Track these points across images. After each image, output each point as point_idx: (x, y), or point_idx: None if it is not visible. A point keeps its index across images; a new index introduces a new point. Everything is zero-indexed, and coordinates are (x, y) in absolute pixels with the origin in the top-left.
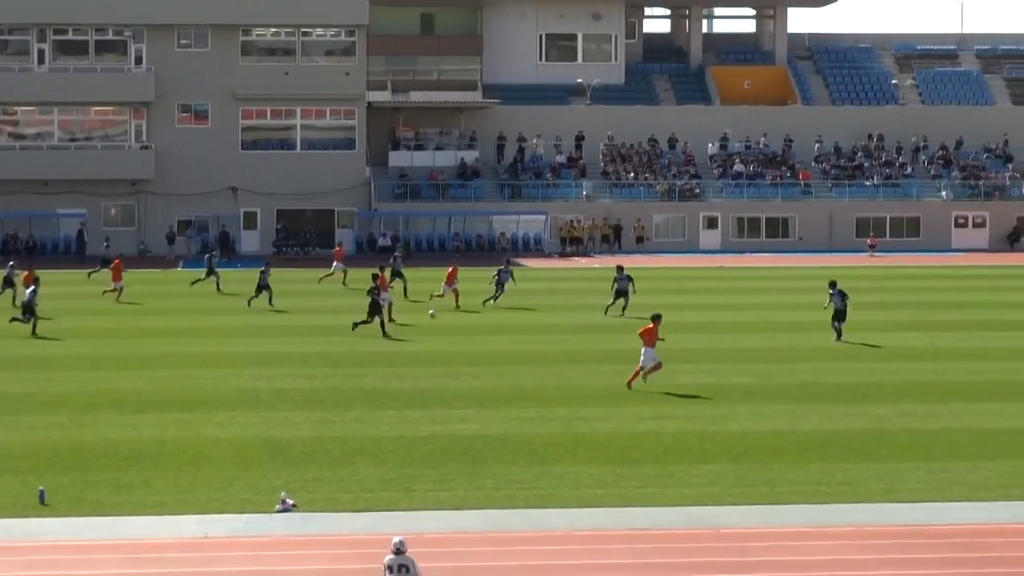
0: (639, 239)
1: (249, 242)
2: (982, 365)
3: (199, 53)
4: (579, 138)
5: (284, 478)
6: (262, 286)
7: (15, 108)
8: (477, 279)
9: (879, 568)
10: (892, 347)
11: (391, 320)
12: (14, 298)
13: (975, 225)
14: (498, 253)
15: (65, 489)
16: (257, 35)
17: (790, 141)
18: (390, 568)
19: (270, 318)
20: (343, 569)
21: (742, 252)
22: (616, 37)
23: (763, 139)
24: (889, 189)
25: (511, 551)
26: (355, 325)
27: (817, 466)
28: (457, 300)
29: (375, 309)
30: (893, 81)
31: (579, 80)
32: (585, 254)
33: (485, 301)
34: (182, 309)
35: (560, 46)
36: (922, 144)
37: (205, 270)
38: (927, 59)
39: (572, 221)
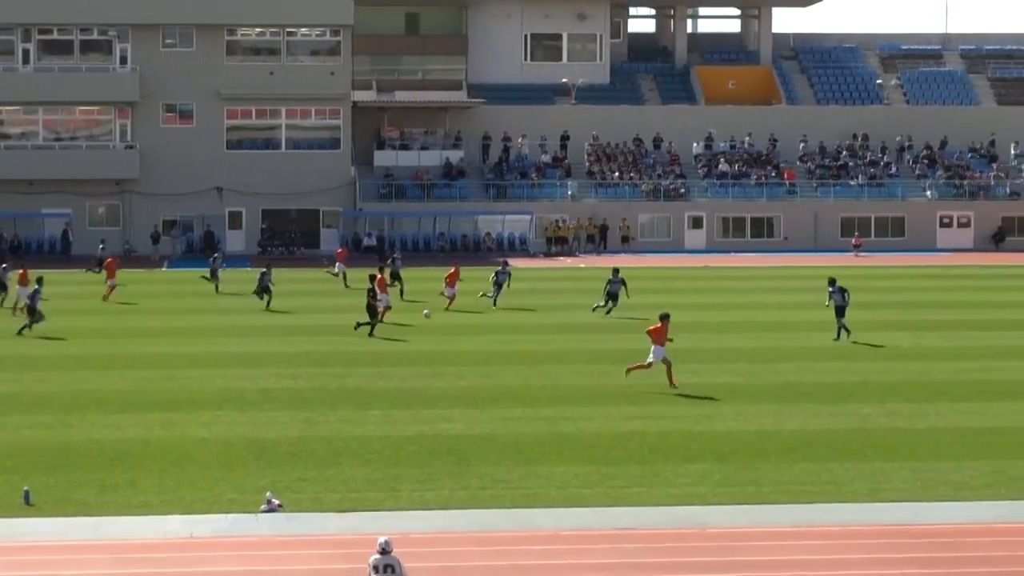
0: (624, 239)
1: (234, 242)
2: (967, 365)
3: (184, 53)
4: (564, 138)
5: (270, 478)
6: (263, 288)
7: (0, 108)
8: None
9: (865, 568)
10: (877, 347)
11: (380, 320)
12: (2, 300)
13: (960, 225)
14: (483, 253)
15: (50, 489)
16: (242, 35)
17: (775, 141)
18: (376, 568)
19: (255, 318)
20: (329, 569)
21: (727, 252)
22: (601, 37)
23: (748, 139)
24: (874, 189)
25: (497, 551)
26: (358, 325)
27: (803, 466)
28: (451, 304)
29: (372, 311)
30: (878, 81)
31: (564, 80)
32: (570, 254)
33: (483, 295)
34: (167, 309)
35: (545, 46)
36: (907, 144)
37: (209, 271)
38: (912, 59)
39: (557, 221)
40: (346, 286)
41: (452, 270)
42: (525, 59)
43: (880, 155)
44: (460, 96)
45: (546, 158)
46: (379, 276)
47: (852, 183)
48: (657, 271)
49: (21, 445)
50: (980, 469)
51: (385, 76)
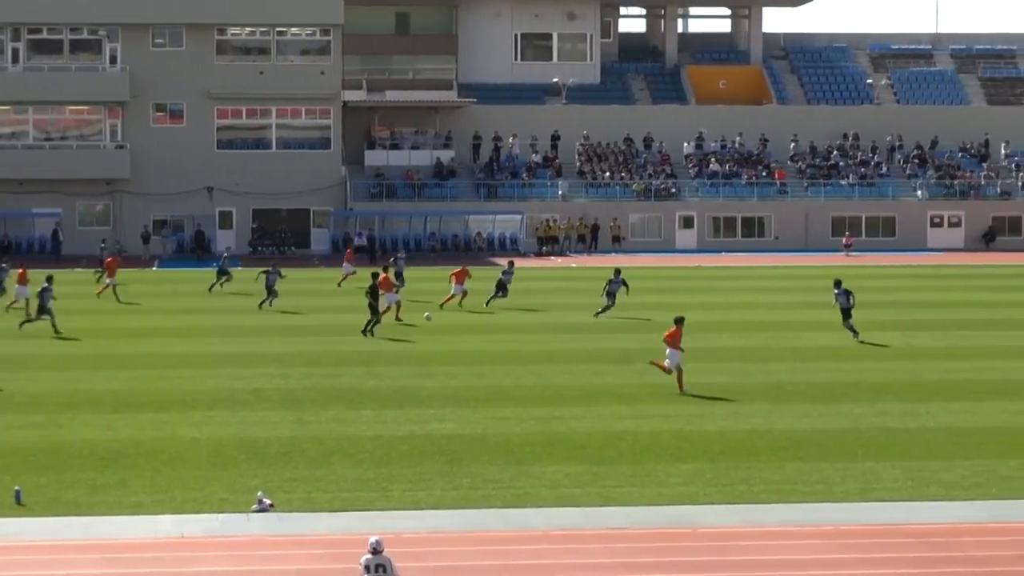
0: (615, 239)
1: (224, 241)
2: (958, 364)
3: (174, 52)
4: (555, 137)
5: (261, 478)
6: (270, 288)
7: None
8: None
9: (856, 567)
10: (868, 346)
11: (397, 319)
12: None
13: (950, 224)
14: (474, 253)
15: (41, 489)
16: (232, 34)
17: (765, 140)
18: (367, 568)
19: (246, 318)
20: (320, 569)
21: (718, 251)
22: (591, 37)
23: (738, 138)
24: (865, 189)
25: (489, 551)
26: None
27: (794, 465)
28: (448, 300)
29: (372, 311)
30: (868, 81)
31: (554, 79)
32: (561, 253)
33: (488, 301)
34: (158, 309)
35: (535, 45)
36: (897, 143)
37: (217, 270)
38: (902, 59)
39: (548, 221)
40: (338, 286)
41: (459, 268)
42: (515, 59)
43: (871, 155)
44: (451, 96)
45: (537, 158)
46: (382, 276)
47: (843, 183)
48: (648, 271)
49: (12, 445)
50: (971, 468)
51: (375, 76)
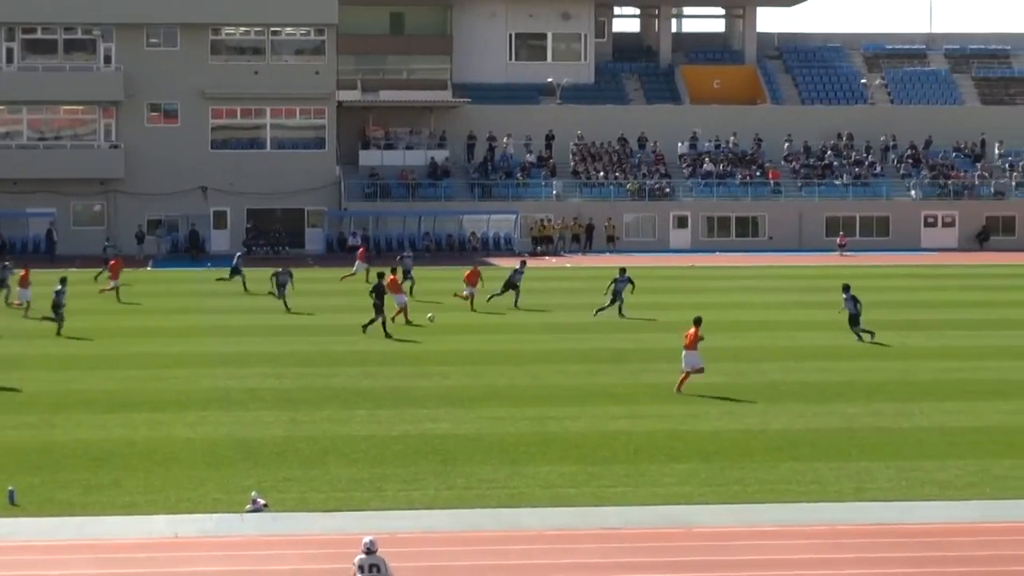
0: (610, 238)
1: (219, 241)
2: (952, 364)
3: (168, 52)
4: (549, 137)
5: (255, 478)
6: (281, 286)
7: None
8: (446, 279)
9: (850, 567)
10: (862, 346)
11: (408, 322)
12: (7, 298)
13: (944, 224)
14: (469, 253)
15: (35, 489)
16: (226, 34)
17: (760, 140)
18: (361, 568)
19: (241, 318)
20: (314, 569)
21: (712, 251)
22: (585, 36)
23: (733, 138)
24: (858, 188)
25: (482, 550)
26: (384, 330)
27: (788, 465)
28: (465, 298)
29: (376, 311)
30: (862, 80)
31: (549, 79)
32: (556, 253)
33: (515, 302)
34: (152, 309)
35: (530, 45)
36: (891, 143)
37: (230, 269)
38: (896, 59)
39: (542, 220)
40: (340, 279)
41: (471, 269)
42: (510, 59)
43: (865, 155)
44: (445, 96)
45: (531, 158)
46: (391, 277)
47: (837, 183)
48: (642, 271)
49: (6, 445)
50: (965, 468)
51: (370, 75)
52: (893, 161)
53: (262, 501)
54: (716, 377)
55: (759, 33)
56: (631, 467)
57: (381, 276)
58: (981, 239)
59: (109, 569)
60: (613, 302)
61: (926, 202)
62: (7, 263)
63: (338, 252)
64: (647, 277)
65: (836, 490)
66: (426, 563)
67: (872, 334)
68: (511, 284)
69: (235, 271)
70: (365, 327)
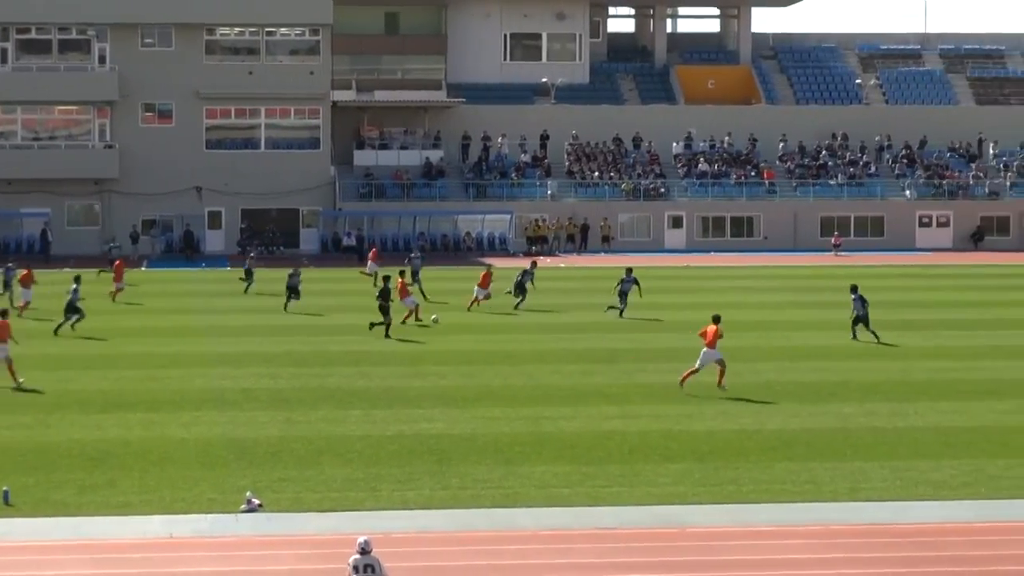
0: (605, 238)
1: (213, 242)
2: (947, 364)
3: (163, 52)
4: (544, 137)
5: (250, 478)
6: (292, 288)
7: None
8: (443, 278)
9: (845, 567)
10: (857, 346)
11: (418, 320)
12: (11, 299)
13: (939, 224)
14: (463, 253)
15: (30, 489)
16: (221, 34)
17: (754, 140)
18: (356, 568)
19: (236, 318)
20: (309, 569)
21: (707, 251)
22: (580, 36)
23: (727, 138)
24: (853, 188)
25: (477, 550)
26: (372, 325)
27: (782, 465)
28: (479, 301)
29: (383, 312)
30: (857, 81)
31: (544, 79)
32: (550, 253)
33: (517, 305)
34: (147, 309)
35: (524, 45)
36: (886, 143)
37: (244, 270)
38: (891, 59)
39: (537, 220)
40: (362, 274)
41: (485, 272)
42: (504, 59)
43: (859, 155)
44: (440, 96)
45: (526, 158)
46: (400, 281)
47: (831, 183)
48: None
49: (1, 445)
50: (960, 468)
51: (365, 76)
52: (888, 161)
53: (257, 501)
54: (711, 377)
55: (754, 33)
56: (626, 467)
57: (387, 280)
58: (976, 239)
59: (104, 569)
60: (620, 301)
61: (921, 202)
62: (10, 264)
63: (333, 252)
64: (642, 277)
65: (831, 490)
66: (421, 563)
67: (876, 337)
68: (520, 286)
69: (248, 273)
70: (372, 326)
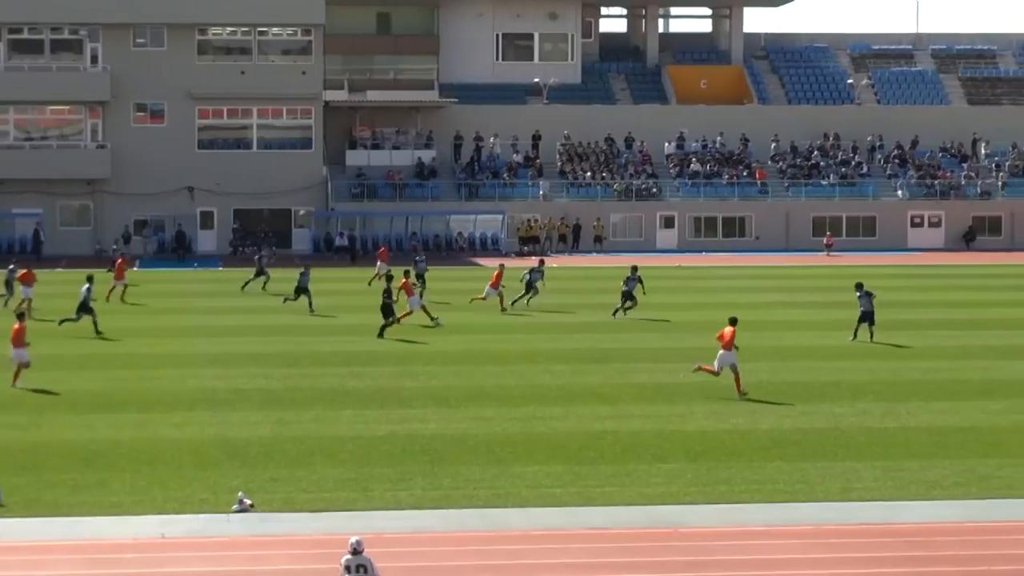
0: (597, 239)
1: (205, 242)
2: (939, 364)
3: (155, 52)
4: (536, 137)
5: (242, 478)
6: (301, 288)
7: None
8: (444, 279)
9: (837, 567)
10: (849, 346)
11: (432, 319)
12: (7, 301)
13: (931, 224)
14: (455, 253)
15: (21, 490)
16: (213, 34)
17: (746, 140)
18: (348, 568)
19: (228, 318)
20: (301, 569)
21: (699, 252)
22: (572, 37)
23: (719, 138)
24: (845, 188)
25: (470, 550)
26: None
27: (775, 465)
28: (502, 302)
29: (387, 311)
30: (849, 81)
31: (536, 79)
32: (543, 253)
33: (514, 301)
34: (139, 309)
35: (517, 45)
36: (878, 143)
37: (255, 270)
38: (883, 59)
39: (529, 220)
40: (368, 284)
41: (497, 271)
42: (497, 59)
43: (851, 155)
44: (432, 96)
45: (518, 158)
46: (404, 280)
47: (823, 183)
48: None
49: None
50: (951, 468)
51: (357, 76)
52: (880, 161)
53: (249, 501)
54: (704, 377)
55: (746, 33)
56: (618, 467)
57: (390, 279)
58: (967, 239)
59: (96, 569)
60: (625, 302)
61: (913, 202)
62: (12, 265)
63: (325, 252)
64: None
65: (823, 490)
66: (413, 563)
67: (871, 336)
68: (530, 284)
69: (260, 273)
70: (382, 331)
